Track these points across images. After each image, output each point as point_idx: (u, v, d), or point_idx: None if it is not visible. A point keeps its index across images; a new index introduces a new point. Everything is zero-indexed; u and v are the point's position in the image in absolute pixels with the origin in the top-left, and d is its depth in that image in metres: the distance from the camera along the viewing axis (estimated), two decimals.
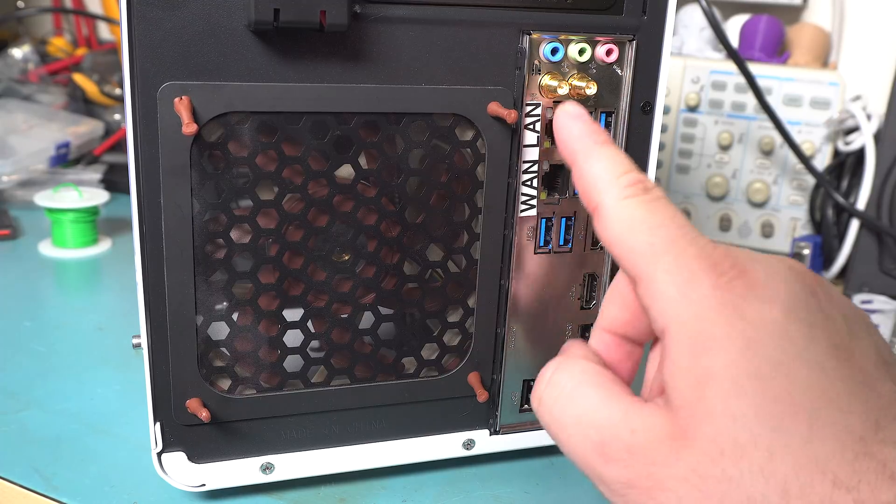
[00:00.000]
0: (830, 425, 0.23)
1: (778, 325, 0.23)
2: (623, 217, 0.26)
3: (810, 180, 0.80)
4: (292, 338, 0.39)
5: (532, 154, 0.39)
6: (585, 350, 0.28)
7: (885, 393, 0.24)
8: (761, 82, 0.74)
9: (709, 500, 0.23)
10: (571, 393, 0.26)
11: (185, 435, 0.39)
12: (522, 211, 0.39)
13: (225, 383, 0.39)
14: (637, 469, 0.24)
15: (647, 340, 0.29)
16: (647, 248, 0.25)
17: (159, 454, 0.38)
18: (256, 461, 0.40)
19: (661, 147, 0.83)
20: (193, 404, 0.37)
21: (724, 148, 0.81)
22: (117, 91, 1.01)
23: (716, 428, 0.23)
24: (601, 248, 0.41)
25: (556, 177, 0.40)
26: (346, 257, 0.39)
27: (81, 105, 0.99)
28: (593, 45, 0.38)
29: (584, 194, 0.28)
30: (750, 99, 0.79)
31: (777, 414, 0.22)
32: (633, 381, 0.29)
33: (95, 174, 0.87)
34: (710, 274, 0.24)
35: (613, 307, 0.29)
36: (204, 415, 0.37)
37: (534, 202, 0.40)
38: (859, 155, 0.75)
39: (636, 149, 0.40)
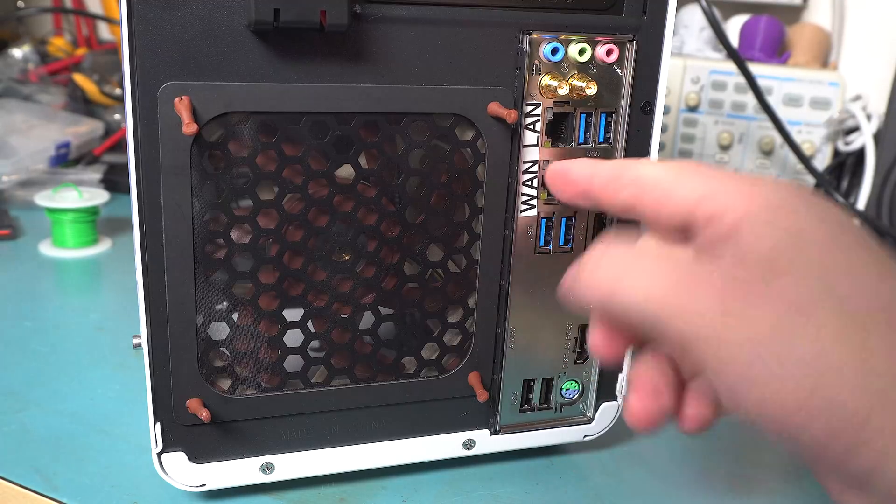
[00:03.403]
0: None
1: (790, 191, 0.27)
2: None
3: (810, 180, 0.79)
4: (292, 338, 0.39)
5: (532, 154, 0.39)
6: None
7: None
8: (761, 82, 0.74)
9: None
10: (632, 249, 0.29)
11: (185, 435, 0.39)
12: (522, 211, 0.39)
13: (225, 383, 0.39)
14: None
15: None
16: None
17: (159, 454, 0.38)
18: (256, 461, 0.40)
19: (661, 147, 0.83)
20: (193, 404, 0.37)
21: (724, 148, 0.81)
22: (117, 91, 1.01)
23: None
24: None
25: None
26: (347, 257, 0.39)
27: (81, 105, 0.99)
28: (593, 45, 0.38)
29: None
30: (750, 99, 0.79)
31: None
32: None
33: (95, 174, 0.87)
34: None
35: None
36: (204, 415, 0.37)
37: (534, 202, 0.40)
38: (859, 155, 0.75)
39: (636, 149, 0.40)
